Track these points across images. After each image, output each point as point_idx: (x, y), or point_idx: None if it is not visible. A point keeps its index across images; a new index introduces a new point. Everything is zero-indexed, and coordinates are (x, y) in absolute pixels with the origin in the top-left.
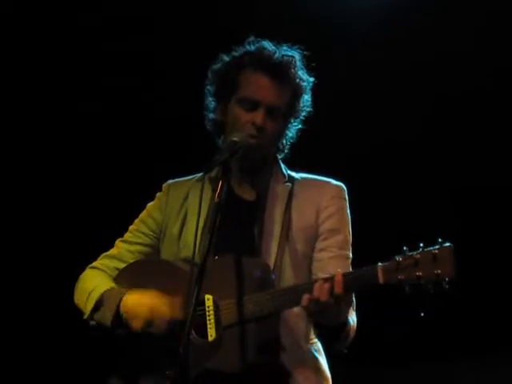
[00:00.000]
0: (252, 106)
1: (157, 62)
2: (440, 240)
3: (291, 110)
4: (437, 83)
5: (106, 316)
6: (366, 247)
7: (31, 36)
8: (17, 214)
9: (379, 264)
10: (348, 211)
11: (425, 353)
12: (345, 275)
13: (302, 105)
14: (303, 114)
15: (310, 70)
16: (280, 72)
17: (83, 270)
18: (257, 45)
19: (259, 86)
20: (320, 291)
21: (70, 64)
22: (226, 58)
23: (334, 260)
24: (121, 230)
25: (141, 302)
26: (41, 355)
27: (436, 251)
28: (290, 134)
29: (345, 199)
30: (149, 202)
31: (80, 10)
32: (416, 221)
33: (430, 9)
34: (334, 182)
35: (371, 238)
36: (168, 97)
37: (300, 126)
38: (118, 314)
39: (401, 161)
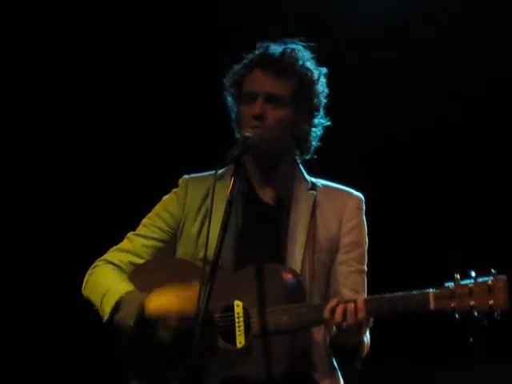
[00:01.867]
0: (250, 98)
1: (157, 62)
2: (493, 271)
3: (302, 101)
4: (445, 83)
5: (129, 317)
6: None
7: (31, 36)
8: (19, 213)
9: (430, 290)
10: (365, 222)
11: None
12: (369, 300)
13: (315, 96)
14: (321, 106)
15: (320, 62)
16: (277, 63)
17: (86, 265)
18: (261, 47)
19: (255, 79)
20: (344, 314)
21: (70, 64)
22: (237, 67)
23: (353, 275)
24: (118, 228)
25: (168, 305)
26: (50, 353)
27: (491, 282)
28: (317, 132)
29: (363, 210)
30: (149, 200)
31: (80, 10)
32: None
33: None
34: (354, 192)
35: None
36: (168, 96)
37: (325, 123)
38: (141, 316)
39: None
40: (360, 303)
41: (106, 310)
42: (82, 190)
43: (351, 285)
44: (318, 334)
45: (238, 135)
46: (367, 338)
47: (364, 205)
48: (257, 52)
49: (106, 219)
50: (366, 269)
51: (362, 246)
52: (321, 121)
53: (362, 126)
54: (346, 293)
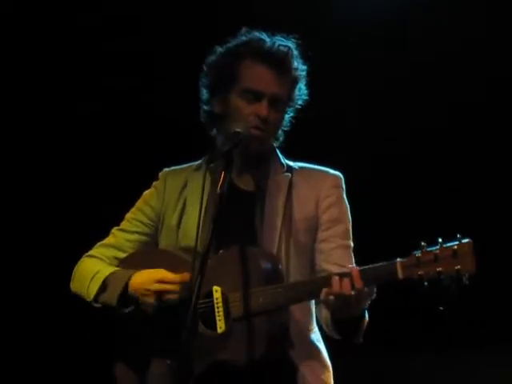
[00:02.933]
0: (255, 97)
1: (157, 62)
2: (459, 235)
3: (289, 99)
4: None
5: (113, 295)
6: (369, 238)
7: (31, 36)
8: (16, 213)
9: (398, 259)
10: (346, 200)
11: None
12: (361, 271)
13: (298, 93)
14: (299, 102)
15: (304, 59)
16: (279, 62)
17: (76, 261)
18: (251, 35)
19: (261, 77)
20: (341, 285)
21: (70, 64)
22: (221, 50)
23: (337, 250)
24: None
25: (150, 277)
26: (43, 342)
27: (456, 247)
28: (284, 123)
29: (343, 188)
30: (133, 192)
31: (80, 10)
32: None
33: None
34: (331, 171)
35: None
36: (168, 97)
37: (293, 114)
38: (124, 294)
39: (408, 155)
40: (355, 272)
41: (92, 291)
42: (81, 188)
43: (336, 260)
44: (298, 313)
45: (204, 117)
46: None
47: (342, 182)
48: (247, 40)
49: (106, 219)
50: (351, 244)
51: (343, 222)
52: (291, 110)
53: (361, 126)
54: (332, 268)
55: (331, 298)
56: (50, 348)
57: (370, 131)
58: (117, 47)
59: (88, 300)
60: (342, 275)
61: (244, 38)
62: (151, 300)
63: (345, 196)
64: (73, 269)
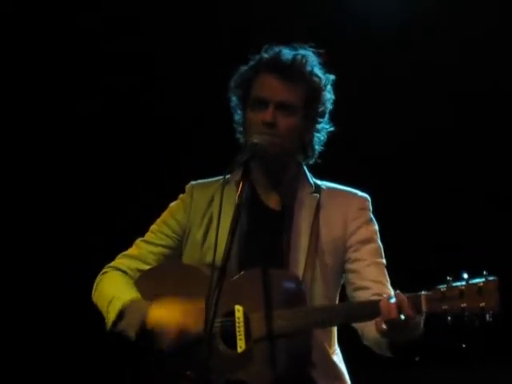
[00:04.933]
0: (261, 105)
1: (157, 62)
2: (485, 273)
3: (310, 108)
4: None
5: (130, 329)
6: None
7: (31, 36)
8: (20, 215)
9: (423, 292)
10: (375, 221)
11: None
12: (409, 298)
13: (322, 103)
14: (327, 112)
15: (329, 69)
16: (289, 70)
17: (94, 268)
18: (271, 50)
19: (267, 84)
20: (394, 309)
21: (70, 64)
22: (242, 69)
23: (371, 267)
24: (122, 234)
25: (168, 318)
26: (52, 356)
27: (481, 284)
28: (321, 138)
29: (370, 210)
30: (152, 200)
31: (80, 10)
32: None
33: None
34: (359, 193)
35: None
36: (168, 97)
37: (329, 128)
38: (142, 327)
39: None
40: (399, 296)
41: (110, 319)
42: (82, 189)
43: (372, 277)
44: (320, 335)
45: (240, 137)
46: None
47: (370, 204)
48: (265, 55)
49: (110, 222)
50: (384, 262)
51: (374, 241)
52: (325, 126)
53: (368, 129)
54: (370, 284)
55: (381, 324)
56: (57, 351)
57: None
58: (117, 47)
59: (108, 327)
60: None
61: (264, 54)
62: (167, 344)
63: (373, 217)
64: (85, 274)
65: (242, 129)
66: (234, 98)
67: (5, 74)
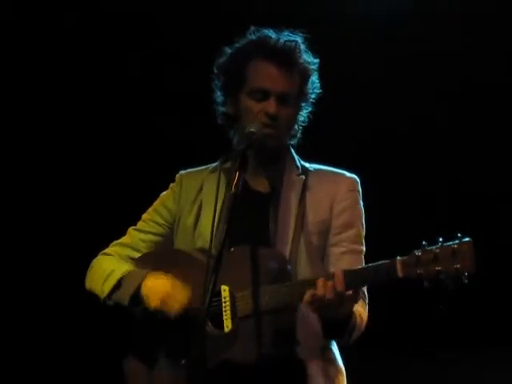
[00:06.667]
0: (262, 95)
1: (156, 61)
2: (459, 235)
3: (301, 94)
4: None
5: (125, 295)
6: (380, 240)
7: (31, 36)
8: (22, 212)
9: (398, 258)
10: (361, 203)
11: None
12: (346, 272)
13: (310, 87)
14: (313, 96)
15: (313, 52)
16: (286, 58)
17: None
18: (259, 33)
19: (267, 75)
20: (324, 289)
21: (70, 64)
22: (230, 51)
23: (345, 255)
24: (121, 224)
25: (160, 282)
26: (53, 337)
27: (455, 246)
28: (302, 119)
29: (358, 191)
30: (150, 194)
31: (80, 10)
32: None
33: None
34: (347, 174)
35: (383, 230)
36: (168, 94)
37: (310, 109)
38: (136, 294)
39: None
40: (338, 275)
41: (107, 288)
42: (84, 187)
43: (343, 265)
44: (313, 317)
45: (221, 119)
46: (361, 314)
47: (359, 185)
48: (254, 39)
49: (108, 216)
50: (362, 249)
51: (355, 226)
52: (307, 107)
53: (360, 119)
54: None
55: (314, 300)
56: (58, 345)
57: (371, 126)
58: (117, 47)
59: (102, 297)
60: (327, 278)
61: (252, 37)
62: (152, 305)
63: (360, 200)
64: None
65: (225, 110)
66: (219, 80)
67: (5, 75)
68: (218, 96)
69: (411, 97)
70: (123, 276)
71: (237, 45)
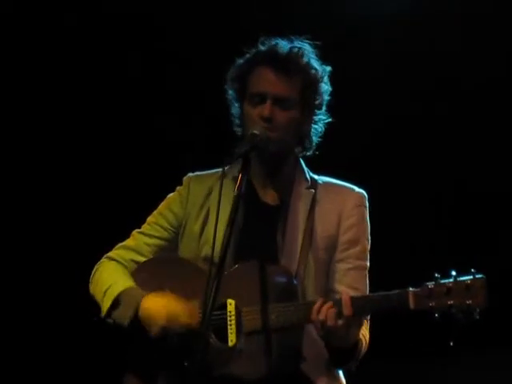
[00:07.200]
0: (260, 99)
1: (156, 61)
2: (473, 270)
3: (307, 101)
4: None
5: (124, 317)
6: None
7: (31, 36)
8: (23, 212)
9: (410, 289)
10: (368, 219)
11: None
12: (354, 299)
13: (317, 94)
14: (322, 104)
15: (325, 61)
16: (285, 63)
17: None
18: (268, 43)
19: (265, 78)
20: (326, 315)
21: (70, 64)
22: (239, 62)
23: (351, 271)
24: (123, 227)
25: (159, 308)
26: (54, 349)
27: (469, 281)
28: (319, 129)
29: (366, 207)
30: (151, 192)
31: (80, 10)
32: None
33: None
34: (356, 189)
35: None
36: (169, 93)
37: (326, 119)
38: (135, 317)
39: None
40: (346, 301)
41: (105, 307)
42: (84, 187)
43: (349, 282)
44: (315, 332)
45: (237, 130)
46: (365, 336)
47: (366, 201)
48: (262, 48)
49: (108, 216)
50: (367, 265)
51: (361, 243)
52: (322, 117)
53: (364, 123)
54: (344, 290)
55: (316, 325)
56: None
57: (371, 126)
58: (117, 47)
59: (102, 315)
60: (334, 303)
61: (261, 47)
62: (155, 332)
63: (367, 215)
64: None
65: (239, 121)
66: (230, 91)
67: (5, 75)
68: (234, 108)
69: (411, 97)
70: (120, 294)
71: (247, 55)
